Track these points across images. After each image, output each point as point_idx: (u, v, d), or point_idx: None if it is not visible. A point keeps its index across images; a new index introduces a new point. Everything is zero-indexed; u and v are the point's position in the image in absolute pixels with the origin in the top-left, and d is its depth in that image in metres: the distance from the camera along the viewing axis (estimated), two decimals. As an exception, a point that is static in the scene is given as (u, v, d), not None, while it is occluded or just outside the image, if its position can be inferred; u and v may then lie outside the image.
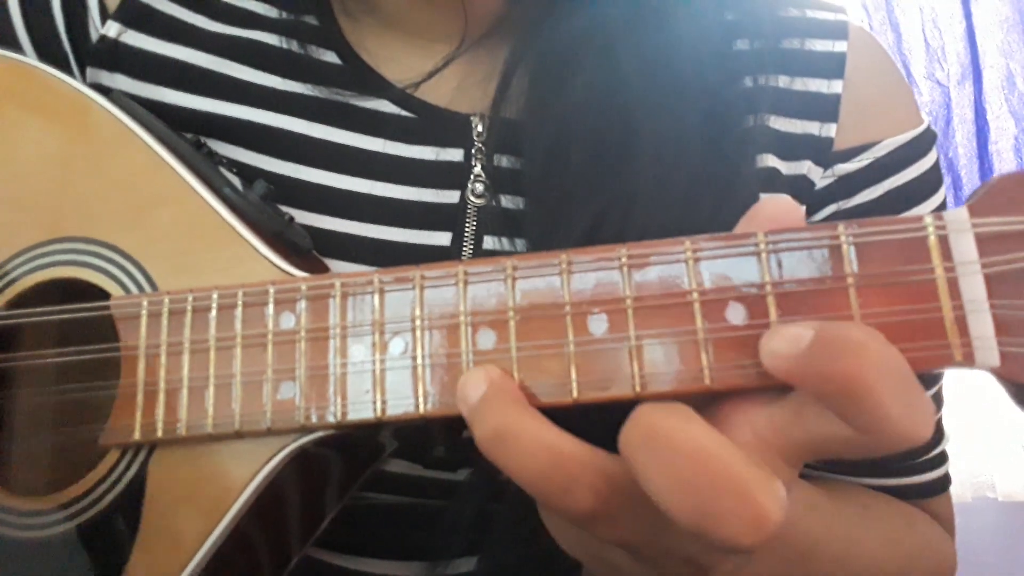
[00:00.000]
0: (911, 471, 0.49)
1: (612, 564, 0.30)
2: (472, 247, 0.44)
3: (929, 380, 0.48)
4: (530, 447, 0.26)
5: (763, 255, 0.27)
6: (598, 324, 0.28)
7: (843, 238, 0.26)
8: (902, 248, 0.26)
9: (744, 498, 0.22)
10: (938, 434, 0.50)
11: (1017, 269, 0.25)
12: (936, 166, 0.50)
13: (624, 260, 0.28)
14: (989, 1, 2.34)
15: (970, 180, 2.27)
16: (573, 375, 0.28)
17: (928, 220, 0.26)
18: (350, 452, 0.38)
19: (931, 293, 0.25)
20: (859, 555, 0.42)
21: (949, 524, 0.51)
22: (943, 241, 0.26)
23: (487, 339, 0.30)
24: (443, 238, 0.44)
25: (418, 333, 0.31)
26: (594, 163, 0.42)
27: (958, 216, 0.26)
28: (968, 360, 0.25)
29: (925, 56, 2.39)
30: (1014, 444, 2.14)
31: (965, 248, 0.25)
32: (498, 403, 0.27)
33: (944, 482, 0.51)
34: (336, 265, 0.43)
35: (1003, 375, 0.25)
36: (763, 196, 0.29)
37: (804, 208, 0.28)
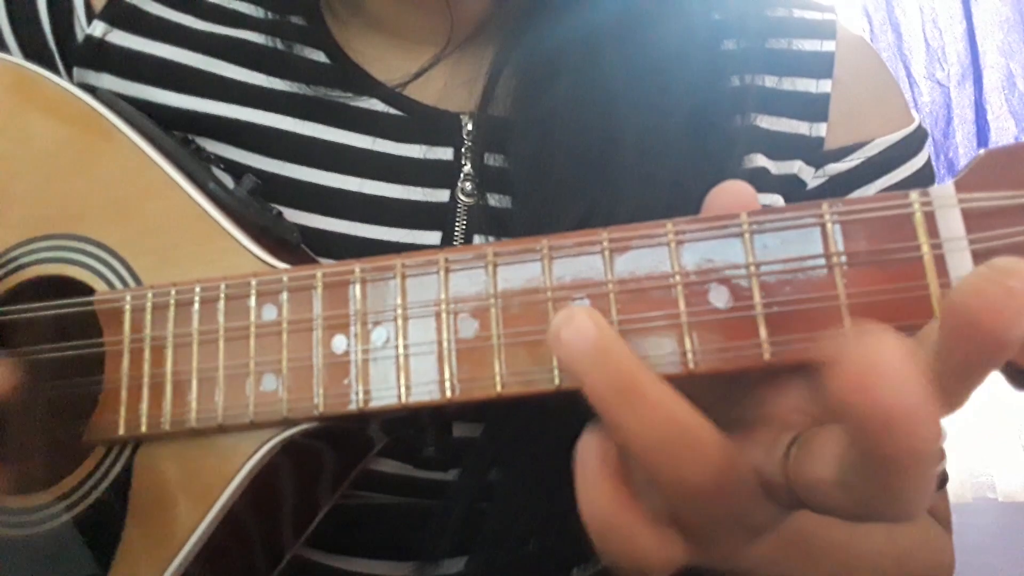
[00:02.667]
0: None
1: None
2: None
3: None
4: (653, 407, 0.24)
5: (747, 236, 0.27)
6: None
7: (828, 217, 0.26)
8: (888, 225, 0.25)
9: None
10: None
11: (1005, 245, 0.24)
12: (928, 164, 0.50)
13: (606, 244, 0.28)
14: (989, 1, 2.34)
15: (971, 180, 2.27)
16: (555, 361, 0.28)
17: (914, 196, 0.25)
18: (339, 446, 0.37)
19: (918, 271, 0.25)
20: (859, 544, 0.41)
21: (946, 521, 0.50)
22: (929, 217, 0.25)
23: (469, 327, 0.29)
24: (433, 237, 0.44)
25: (400, 323, 0.30)
26: (579, 162, 0.42)
27: (944, 192, 0.25)
28: None
29: (925, 56, 2.39)
30: (1014, 444, 2.13)
31: (952, 224, 0.25)
32: (618, 353, 0.25)
33: (941, 479, 0.50)
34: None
35: None
36: (724, 183, 0.28)
37: (760, 201, 0.28)
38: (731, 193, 0.28)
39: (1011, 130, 2.30)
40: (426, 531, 0.42)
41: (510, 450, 0.41)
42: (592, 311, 0.26)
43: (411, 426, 0.39)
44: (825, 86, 0.47)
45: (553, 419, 0.38)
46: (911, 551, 0.46)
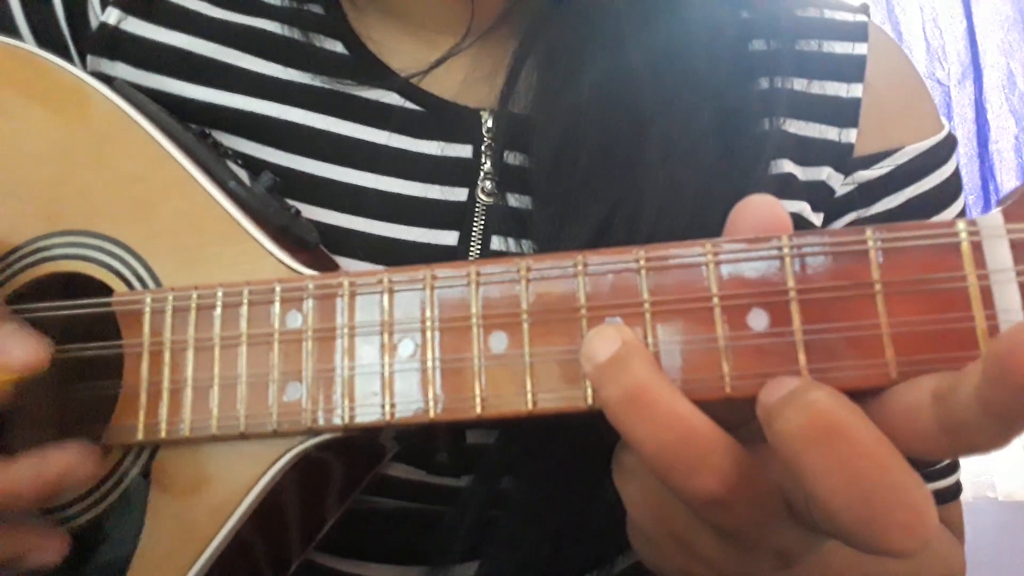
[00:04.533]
0: (924, 479, 0.48)
1: (692, 545, 0.29)
2: (480, 247, 0.43)
3: None
4: (665, 416, 0.24)
5: (787, 259, 0.26)
6: None
7: (871, 243, 0.26)
8: (932, 254, 0.25)
9: (916, 512, 0.22)
10: None
11: None
12: (956, 172, 0.49)
13: (642, 262, 0.28)
14: (989, 0, 2.33)
15: (970, 180, 2.27)
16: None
17: (961, 225, 0.25)
18: (352, 455, 0.37)
19: (963, 302, 0.25)
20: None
21: (959, 531, 0.50)
22: (976, 247, 0.25)
23: (500, 342, 0.29)
24: (450, 237, 0.43)
25: (428, 335, 0.30)
26: (603, 162, 0.41)
27: (992, 222, 0.25)
28: None
29: (925, 56, 2.39)
30: (1014, 444, 2.14)
31: (1000, 255, 0.24)
32: (635, 363, 0.25)
33: (955, 490, 0.50)
34: (340, 262, 0.42)
35: None
36: (750, 197, 0.28)
37: (787, 208, 0.27)
38: (758, 206, 0.28)
39: (1011, 129, 2.30)
40: (437, 536, 0.42)
41: (523, 457, 0.40)
42: (622, 327, 0.26)
43: (425, 433, 0.39)
44: (856, 90, 0.46)
45: (567, 427, 0.37)
46: (924, 561, 0.46)
